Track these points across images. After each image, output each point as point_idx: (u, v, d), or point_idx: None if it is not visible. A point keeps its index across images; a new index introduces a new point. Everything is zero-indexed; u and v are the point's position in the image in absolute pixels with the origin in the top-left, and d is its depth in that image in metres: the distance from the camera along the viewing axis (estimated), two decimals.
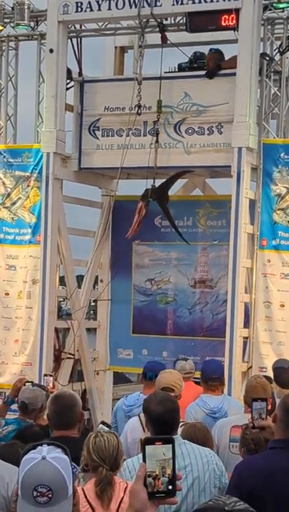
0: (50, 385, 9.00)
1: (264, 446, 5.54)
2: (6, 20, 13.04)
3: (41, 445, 3.19)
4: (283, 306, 11.74)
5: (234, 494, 4.76)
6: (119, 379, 18.44)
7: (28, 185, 12.98)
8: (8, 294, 13.24)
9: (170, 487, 2.75)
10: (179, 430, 6.60)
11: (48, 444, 3.19)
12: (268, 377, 9.58)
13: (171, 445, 2.77)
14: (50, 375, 9.82)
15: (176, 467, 4.83)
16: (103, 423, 6.43)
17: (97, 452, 4.63)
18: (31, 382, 8.44)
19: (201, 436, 6.08)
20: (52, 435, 5.64)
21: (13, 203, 13.21)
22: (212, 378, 8.41)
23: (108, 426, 6.36)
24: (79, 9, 12.14)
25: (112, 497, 4.75)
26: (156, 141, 12.09)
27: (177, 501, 2.85)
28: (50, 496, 3.09)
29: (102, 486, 4.76)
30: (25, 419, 6.91)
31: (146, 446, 2.74)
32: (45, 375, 9.83)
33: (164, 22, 12.24)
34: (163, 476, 2.75)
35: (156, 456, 2.74)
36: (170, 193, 13.02)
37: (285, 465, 4.81)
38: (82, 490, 4.89)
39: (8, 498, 4.48)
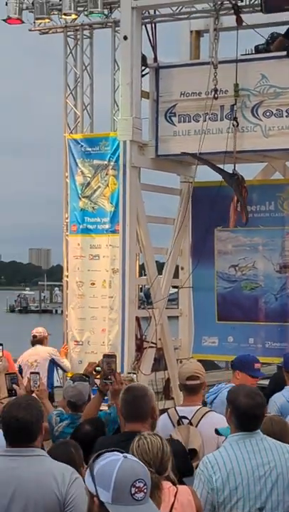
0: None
1: None
2: (79, 8, 13.01)
3: (109, 452, 3.21)
4: None
5: None
6: (208, 365, 18.31)
7: (106, 174, 12.98)
8: (94, 284, 13.35)
9: None
10: None
11: (115, 451, 3.22)
12: None
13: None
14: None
15: (261, 462, 4.74)
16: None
17: (141, 455, 4.45)
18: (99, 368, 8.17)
19: (278, 430, 5.90)
20: (123, 430, 5.54)
21: (93, 192, 13.24)
22: None
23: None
24: None
25: (161, 502, 4.49)
26: (236, 125, 11.90)
27: None
28: (145, 490, 3.09)
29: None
30: (76, 413, 6.93)
31: None
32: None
33: (239, 3, 12.03)
34: None
35: None
36: (250, 177, 12.84)
37: None
38: None
39: (63, 496, 4.43)
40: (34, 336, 13.50)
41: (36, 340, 13.48)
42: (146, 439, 4.43)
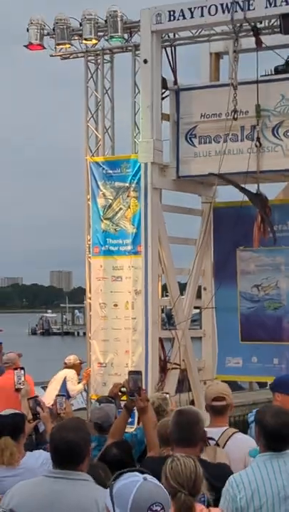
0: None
1: None
2: (99, 33, 13.13)
3: (131, 472, 3.23)
4: None
5: None
6: (232, 386, 18.21)
7: (128, 196, 13.05)
8: (116, 305, 13.36)
9: None
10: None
11: (137, 471, 3.24)
12: None
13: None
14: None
15: (287, 483, 4.74)
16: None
17: (174, 477, 4.38)
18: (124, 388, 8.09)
19: None
20: (170, 453, 5.50)
21: (115, 214, 13.30)
22: None
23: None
24: (172, 18, 12.12)
25: None
26: (259, 145, 11.94)
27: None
28: None
29: None
30: (103, 435, 6.94)
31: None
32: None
33: (258, 25, 12.10)
34: None
35: None
36: (271, 197, 12.87)
37: None
38: None
39: None
40: (65, 363, 13.64)
41: (66, 368, 13.66)
42: (179, 461, 4.40)
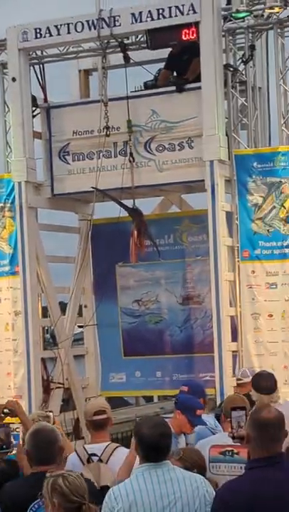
0: None
1: None
2: None
3: None
4: (271, 316, 11.57)
5: None
6: (118, 402, 18.21)
7: (3, 216, 12.85)
8: None
9: None
10: None
11: None
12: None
13: None
14: None
15: (165, 493, 4.75)
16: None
17: (75, 491, 4.34)
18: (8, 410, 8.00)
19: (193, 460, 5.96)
20: (31, 471, 5.43)
21: None
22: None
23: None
24: (38, 35, 12.06)
25: None
26: (132, 161, 11.98)
27: None
28: None
29: None
30: None
31: None
32: None
33: (125, 41, 12.17)
34: None
35: None
36: (147, 212, 12.94)
37: (268, 485, 4.64)
38: None
39: None
40: None
41: None
42: (71, 476, 4.39)
